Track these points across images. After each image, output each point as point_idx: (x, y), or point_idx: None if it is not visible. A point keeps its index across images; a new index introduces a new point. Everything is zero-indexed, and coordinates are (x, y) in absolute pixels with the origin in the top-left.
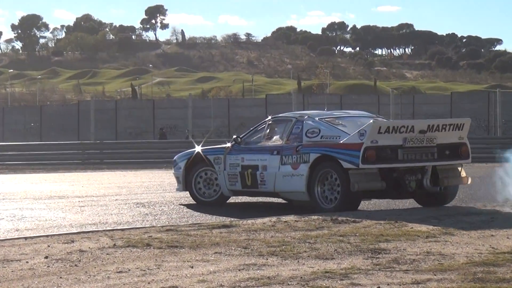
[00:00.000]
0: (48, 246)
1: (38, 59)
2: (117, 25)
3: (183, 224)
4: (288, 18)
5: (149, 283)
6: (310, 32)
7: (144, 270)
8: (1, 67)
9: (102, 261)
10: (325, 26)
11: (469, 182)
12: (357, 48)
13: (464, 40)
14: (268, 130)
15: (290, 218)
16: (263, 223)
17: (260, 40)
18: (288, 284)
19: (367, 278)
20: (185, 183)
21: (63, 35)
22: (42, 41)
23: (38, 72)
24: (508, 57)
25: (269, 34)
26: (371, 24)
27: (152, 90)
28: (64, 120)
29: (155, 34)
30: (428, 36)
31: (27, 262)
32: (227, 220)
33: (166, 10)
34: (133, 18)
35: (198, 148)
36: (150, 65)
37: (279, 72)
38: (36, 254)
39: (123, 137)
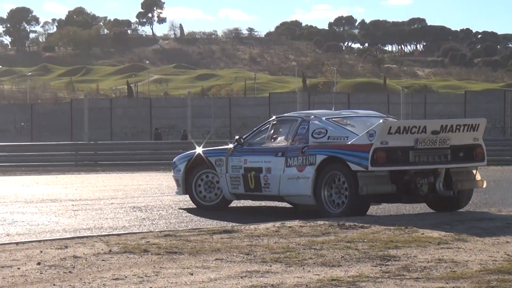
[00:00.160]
0: (41, 251)
1: (28, 55)
2: (112, 19)
3: (182, 229)
4: (292, 12)
5: None
6: (316, 27)
7: (142, 277)
8: None
9: (98, 268)
10: (332, 21)
11: (484, 186)
12: (366, 44)
13: (479, 36)
14: (272, 130)
15: (295, 223)
16: (266, 228)
17: (263, 36)
18: None
19: (375, 286)
20: (185, 186)
21: (55, 29)
22: (32, 35)
23: (28, 68)
24: None
25: (272, 29)
26: (381, 19)
27: (149, 88)
28: (56, 119)
29: (152, 29)
30: (441, 32)
31: (18, 268)
32: (228, 225)
33: (164, 3)
34: (129, 11)
35: (199, 150)
36: (147, 62)
37: (283, 69)
38: (28, 260)
39: (119, 137)
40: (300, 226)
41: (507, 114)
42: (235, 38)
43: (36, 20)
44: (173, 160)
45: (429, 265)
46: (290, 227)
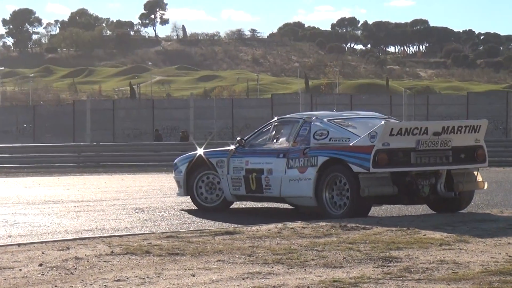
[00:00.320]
0: (43, 253)
1: (30, 56)
2: (114, 21)
3: (184, 230)
4: (295, 13)
5: None
6: (318, 28)
7: (143, 279)
8: None
9: (99, 269)
10: (335, 22)
11: (485, 187)
12: (369, 45)
13: (481, 37)
14: (274, 131)
15: (297, 224)
16: (268, 230)
17: (265, 37)
18: None
19: None
20: (186, 187)
21: (57, 30)
22: (35, 37)
23: (31, 70)
24: None
25: (275, 30)
26: (383, 20)
27: (152, 89)
28: (58, 120)
29: (155, 30)
30: (444, 33)
31: (20, 270)
32: (230, 226)
33: (166, 4)
34: (131, 13)
35: (200, 151)
36: (149, 63)
37: (286, 70)
38: (30, 261)
39: (121, 138)
40: (302, 227)
41: (510, 116)
42: (238, 39)
43: (39, 21)
44: (174, 161)
45: (431, 266)
46: (292, 228)
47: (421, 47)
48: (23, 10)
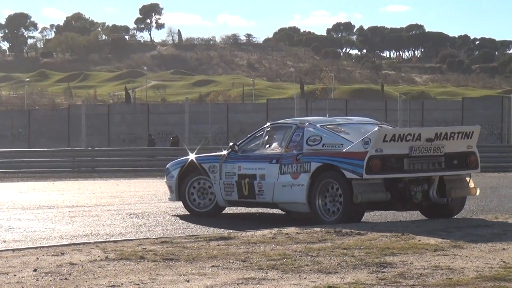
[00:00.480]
0: (37, 258)
1: (26, 60)
2: (110, 25)
3: (178, 236)
4: (291, 18)
5: None
6: (314, 33)
7: (138, 284)
8: None
9: (94, 275)
10: (330, 27)
11: (477, 193)
12: (364, 51)
13: (477, 42)
14: (267, 137)
15: (292, 230)
16: (263, 235)
17: (261, 42)
18: None
19: None
20: (178, 192)
21: (53, 35)
22: (30, 41)
23: (26, 74)
24: None
25: (270, 35)
26: (379, 25)
27: (147, 94)
28: (53, 125)
29: (150, 35)
30: (439, 38)
31: (15, 275)
32: (225, 231)
33: (162, 9)
34: (127, 17)
35: (192, 156)
36: (145, 68)
37: (281, 75)
38: (24, 266)
39: (116, 143)
40: (297, 233)
41: (505, 121)
42: (233, 44)
43: (34, 26)
44: (166, 166)
45: (426, 272)
46: (286, 234)
47: (416, 52)
48: (19, 15)
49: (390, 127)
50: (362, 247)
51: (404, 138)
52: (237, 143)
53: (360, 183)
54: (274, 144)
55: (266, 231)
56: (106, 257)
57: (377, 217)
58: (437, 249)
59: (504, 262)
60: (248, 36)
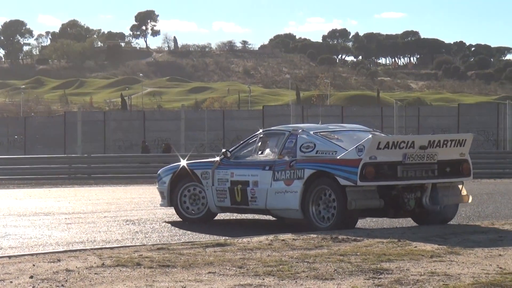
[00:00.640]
0: (33, 265)
1: (21, 67)
2: (106, 32)
3: (175, 242)
4: (286, 25)
5: None
6: (309, 40)
7: None
8: None
9: (90, 281)
10: (326, 34)
11: (469, 201)
12: (360, 57)
13: (472, 48)
14: (260, 144)
15: (288, 236)
16: (259, 242)
17: (257, 48)
18: None
19: None
20: (170, 198)
21: (48, 42)
22: (26, 48)
23: (22, 81)
24: None
25: (266, 42)
26: (374, 32)
27: (143, 100)
28: (49, 132)
29: (146, 42)
30: (435, 45)
31: (11, 282)
32: (221, 238)
33: (158, 16)
34: (123, 24)
35: (183, 162)
36: (141, 74)
37: (277, 82)
38: (20, 273)
39: (112, 150)
40: (293, 239)
41: (501, 127)
42: (229, 51)
43: (30, 33)
44: (158, 172)
45: (422, 278)
46: (283, 240)
47: (412, 58)
48: (14, 22)
49: (383, 135)
50: (358, 254)
51: (397, 146)
52: (230, 150)
53: (354, 190)
54: (267, 151)
55: (262, 238)
56: (103, 264)
57: (374, 223)
58: (433, 255)
59: (500, 268)
60: (244, 43)
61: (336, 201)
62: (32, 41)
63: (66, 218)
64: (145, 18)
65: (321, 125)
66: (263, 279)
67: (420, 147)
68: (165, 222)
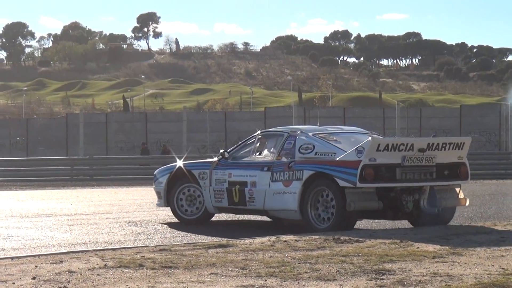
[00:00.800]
0: (36, 266)
1: (23, 69)
2: (107, 34)
3: (177, 243)
4: (288, 26)
5: None
6: (311, 41)
7: None
8: None
9: (93, 282)
10: (328, 35)
11: (467, 203)
12: (361, 58)
13: (474, 50)
14: (258, 144)
15: (290, 237)
16: (261, 243)
17: (258, 50)
18: None
19: None
20: (167, 199)
21: (50, 44)
22: (27, 50)
23: (24, 83)
24: None
25: (268, 44)
26: (376, 33)
27: (145, 102)
28: (51, 134)
29: (148, 43)
30: (437, 46)
31: (13, 283)
32: (223, 239)
33: (159, 18)
34: (124, 26)
35: (179, 163)
36: (142, 76)
37: (279, 83)
38: (23, 275)
39: (114, 152)
40: (295, 240)
41: (502, 128)
42: (231, 52)
43: (32, 35)
44: (154, 172)
45: (424, 279)
46: (285, 241)
47: (413, 60)
48: (16, 24)
49: (381, 137)
50: (360, 254)
51: (397, 148)
52: (228, 150)
53: (353, 192)
54: (265, 152)
55: (264, 239)
56: (105, 265)
57: (375, 224)
58: (435, 256)
59: (502, 268)
60: (246, 44)
61: (335, 202)
62: (34, 43)
63: (68, 220)
64: (146, 20)
65: (319, 127)
66: (266, 280)
67: (419, 150)
68: (167, 223)
